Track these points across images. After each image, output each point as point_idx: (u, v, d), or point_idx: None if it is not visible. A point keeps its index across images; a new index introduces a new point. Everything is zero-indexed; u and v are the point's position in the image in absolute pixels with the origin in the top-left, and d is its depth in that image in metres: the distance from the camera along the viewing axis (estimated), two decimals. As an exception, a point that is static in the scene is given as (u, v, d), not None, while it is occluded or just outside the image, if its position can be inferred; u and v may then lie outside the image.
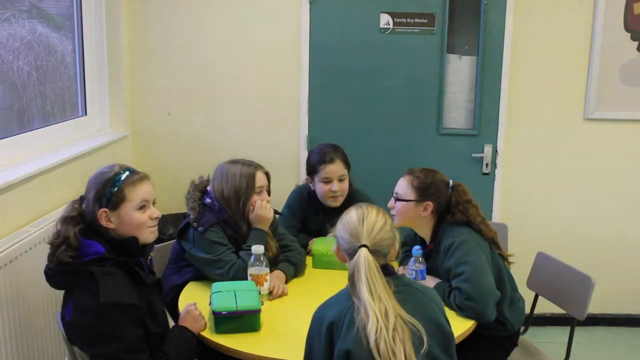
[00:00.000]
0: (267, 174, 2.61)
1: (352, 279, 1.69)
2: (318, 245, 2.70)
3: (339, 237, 1.80)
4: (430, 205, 2.39)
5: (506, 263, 2.44)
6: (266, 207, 2.52)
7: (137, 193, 1.93)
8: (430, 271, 2.41)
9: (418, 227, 2.48)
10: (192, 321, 2.07)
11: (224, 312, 2.03)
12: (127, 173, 1.93)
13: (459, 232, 2.34)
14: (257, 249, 2.34)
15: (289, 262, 2.58)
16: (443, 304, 1.86)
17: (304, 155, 3.52)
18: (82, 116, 3.23)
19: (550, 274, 2.71)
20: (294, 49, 3.45)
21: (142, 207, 1.94)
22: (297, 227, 2.90)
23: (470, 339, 2.16)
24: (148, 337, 1.88)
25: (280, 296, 2.38)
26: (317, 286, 2.49)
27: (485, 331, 2.31)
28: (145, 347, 1.86)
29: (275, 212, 2.73)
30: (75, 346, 1.87)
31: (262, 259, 2.34)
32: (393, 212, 2.44)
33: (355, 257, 1.70)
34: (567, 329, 2.59)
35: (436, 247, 2.40)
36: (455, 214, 2.38)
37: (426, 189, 2.39)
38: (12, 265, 2.13)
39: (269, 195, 2.63)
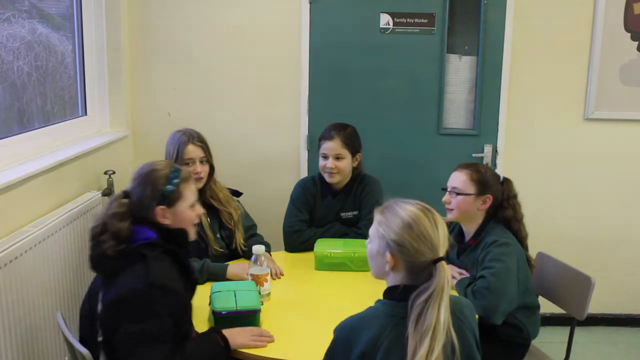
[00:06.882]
0: (202, 147, 2.59)
1: (425, 300, 1.43)
2: (320, 247, 2.64)
3: (397, 240, 1.52)
4: (489, 198, 2.40)
5: (529, 266, 2.45)
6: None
7: (191, 191, 1.99)
8: (460, 267, 2.46)
9: (470, 221, 2.45)
10: (239, 331, 1.98)
11: (223, 312, 2.03)
12: (179, 171, 1.97)
13: (503, 234, 2.37)
14: (258, 249, 2.34)
15: (261, 243, 2.69)
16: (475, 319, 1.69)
17: (304, 155, 3.52)
18: (82, 116, 3.23)
19: (550, 274, 2.71)
20: (294, 49, 3.45)
21: (192, 205, 2.00)
22: (306, 221, 2.87)
23: (487, 341, 2.16)
24: (177, 331, 1.84)
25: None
26: (319, 288, 2.50)
27: (503, 335, 2.35)
28: (171, 339, 1.80)
29: (236, 193, 2.79)
30: (100, 331, 1.82)
31: (262, 259, 2.34)
32: (450, 206, 2.43)
33: (437, 274, 1.43)
34: (567, 329, 2.59)
35: (477, 243, 2.41)
36: (506, 209, 2.40)
37: (486, 182, 2.40)
38: (12, 265, 2.13)
39: (211, 167, 2.63)
